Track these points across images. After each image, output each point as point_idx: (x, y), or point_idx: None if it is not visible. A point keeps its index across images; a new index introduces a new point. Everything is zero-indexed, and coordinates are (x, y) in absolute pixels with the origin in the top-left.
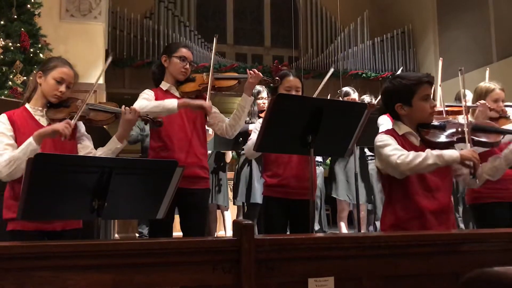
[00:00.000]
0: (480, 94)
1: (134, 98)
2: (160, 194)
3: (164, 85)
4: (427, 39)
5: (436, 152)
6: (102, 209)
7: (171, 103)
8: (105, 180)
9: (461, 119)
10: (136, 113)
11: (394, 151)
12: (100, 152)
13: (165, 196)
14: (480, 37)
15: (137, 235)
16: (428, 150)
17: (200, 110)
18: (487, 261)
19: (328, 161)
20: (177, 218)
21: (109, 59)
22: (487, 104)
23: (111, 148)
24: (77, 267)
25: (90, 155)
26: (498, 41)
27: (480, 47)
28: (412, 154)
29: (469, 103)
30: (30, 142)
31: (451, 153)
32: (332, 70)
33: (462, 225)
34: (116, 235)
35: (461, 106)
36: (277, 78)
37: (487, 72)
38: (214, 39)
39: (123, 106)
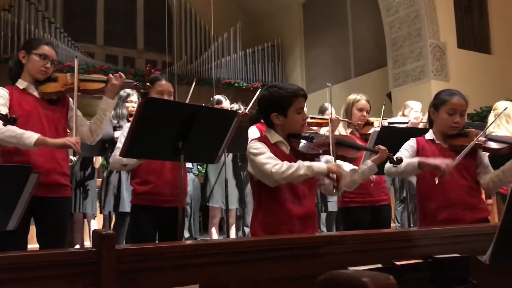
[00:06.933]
0: (348, 104)
1: None
2: (11, 203)
3: (21, 84)
4: (294, 54)
5: (307, 163)
6: None
7: (29, 138)
8: None
9: (324, 131)
10: None
11: (269, 160)
12: None
13: (17, 205)
14: (341, 55)
15: None
16: (300, 161)
17: (64, 148)
18: (343, 262)
19: (201, 168)
20: (34, 229)
21: None
22: (340, 118)
23: None
24: None
25: None
26: (355, 59)
27: (340, 64)
28: (286, 164)
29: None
30: None
31: (320, 166)
32: (194, 81)
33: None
34: None
35: (322, 119)
36: (147, 84)
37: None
38: (75, 60)
39: None
